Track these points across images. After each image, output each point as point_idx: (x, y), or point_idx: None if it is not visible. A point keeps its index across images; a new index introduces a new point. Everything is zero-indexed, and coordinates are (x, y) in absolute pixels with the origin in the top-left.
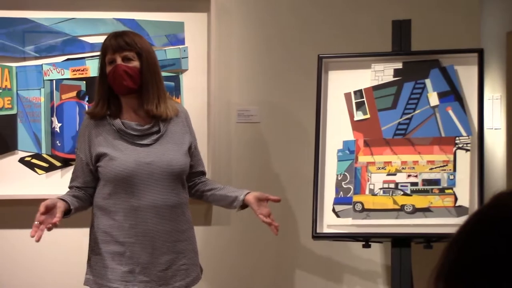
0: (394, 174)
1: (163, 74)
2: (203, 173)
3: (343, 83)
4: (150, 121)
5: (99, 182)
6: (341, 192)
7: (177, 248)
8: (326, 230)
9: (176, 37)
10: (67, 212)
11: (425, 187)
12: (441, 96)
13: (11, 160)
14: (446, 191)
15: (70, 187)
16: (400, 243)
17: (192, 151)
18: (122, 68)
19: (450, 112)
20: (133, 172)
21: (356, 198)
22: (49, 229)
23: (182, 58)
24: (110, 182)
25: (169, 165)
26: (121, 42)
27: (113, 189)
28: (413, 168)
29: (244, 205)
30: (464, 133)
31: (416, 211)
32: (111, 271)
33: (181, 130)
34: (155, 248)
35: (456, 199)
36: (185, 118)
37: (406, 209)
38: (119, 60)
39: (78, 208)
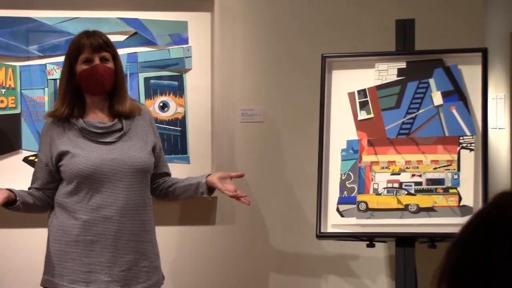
0: (398, 174)
1: (167, 73)
2: (167, 175)
3: (346, 82)
4: (113, 119)
5: (61, 182)
6: (345, 192)
7: (140, 248)
8: (330, 229)
9: (179, 37)
10: (12, 203)
11: (429, 187)
12: (445, 95)
13: (15, 160)
14: (450, 190)
15: (28, 189)
16: (404, 242)
17: (157, 152)
18: (102, 68)
19: (454, 111)
20: (96, 169)
21: (360, 197)
22: None
23: (186, 57)
24: (73, 180)
25: (132, 162)
26: (100, 42)
27: (75, 187)
28: (417, 167)
29: (211, 189)
30: (468, 133)
31: (420, 210)
32: (71, 271)
33: (144, 129)
34: (117, 247)
35: (460, 198)
36: (149, 119)
37: (410, 208)
38: (97, 60)
39: (29, 204)
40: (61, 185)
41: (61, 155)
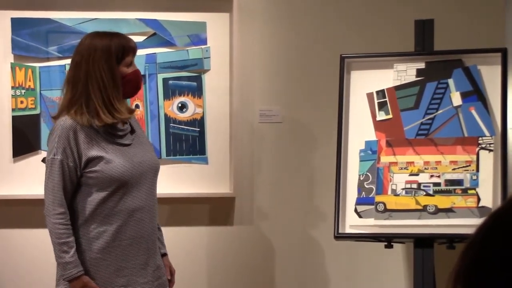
0: (417, 175)
1: (186, 74)
2: None
3: (365, 83)
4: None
5: (84, 189)
6: (363, 192)
7: (157, 247)
8: (348, 230)
9: (198, 37)
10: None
11: (448, 188)
12: (464, 96)
13: (35, 160)
14: (469, 191)
15: (63, 213)
16: (422, 243)
17: None
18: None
19: (473, 112)
20: (131, 173)
21: (378, 198)
22: None
23: (204, 58)
24: (107, 186)
25: (153, 163)
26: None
27: (108, 194)
28: (436, 168)
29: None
30: (487, 133)
31: (438, 211)
32: (108, 278)
33: (140, 129)
34: (149, 248)
35: (479, 199)
36: (134, 118)
37: (429, 209)
38: (134, 64)
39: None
40: (89, 193)
41: (91, 161)
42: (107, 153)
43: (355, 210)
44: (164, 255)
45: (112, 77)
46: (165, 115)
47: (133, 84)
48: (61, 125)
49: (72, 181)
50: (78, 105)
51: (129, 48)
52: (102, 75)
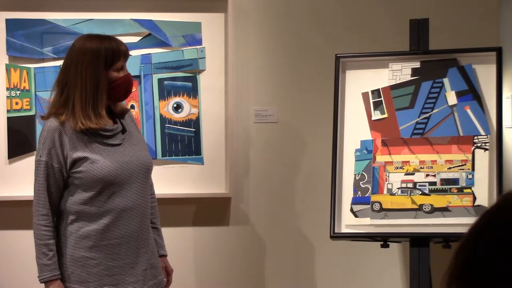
0: (412, 174)
1: (181, 74)
2: None
3: (360, 82)
4: (114, 120)
5: (72, 188)
6: (359, 192)
7: (150, 247)
8: (344, 230)
9: (193, 38)
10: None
11: (444, 187)
12: (459, 95)
13: (30, 161)
14: (465, 190)
15: (45, 214)
16: (418, 242)
17: None
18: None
19: (469, 111)
20: (118, 173)
21: (374, 197)
22: None
23: (200, 58)
24: (93, 186)
25: (144, 162)
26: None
27: (95, 193)
28: (431, 167)
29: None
30: (482, 132)
31: (434, 210)
32: (97, 276)
33: (135, 128)
34: (138, 247)
35: (474, 198)
36: (131, 116)
37: (425, 208)
38: (126, 69)
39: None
40: (76, 192)
41: (77, 161)
42: (93, 153)
43: (351, 210)
44: (162, 256)
45: (96, 83)
46: (161, 115)
47: (123, 89)
48: (48, 126)
49: (57, 182)
50: (65, 108)
51: (120, 53)
52: (86, 80)
